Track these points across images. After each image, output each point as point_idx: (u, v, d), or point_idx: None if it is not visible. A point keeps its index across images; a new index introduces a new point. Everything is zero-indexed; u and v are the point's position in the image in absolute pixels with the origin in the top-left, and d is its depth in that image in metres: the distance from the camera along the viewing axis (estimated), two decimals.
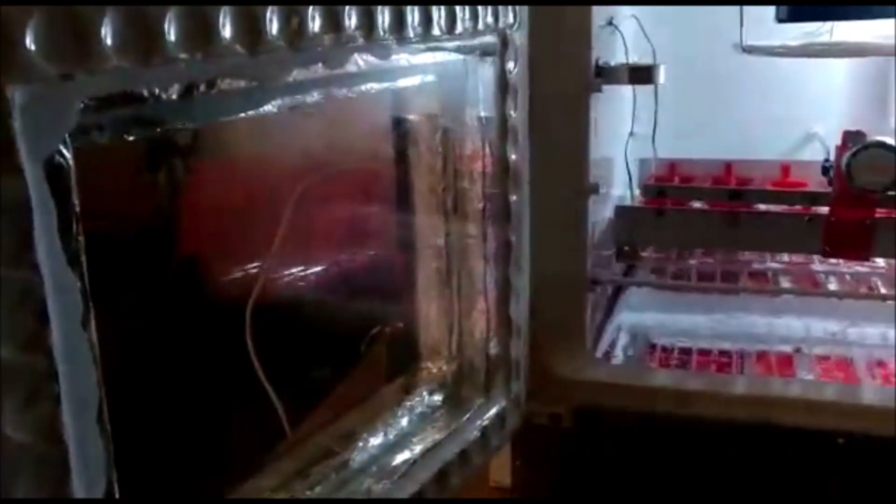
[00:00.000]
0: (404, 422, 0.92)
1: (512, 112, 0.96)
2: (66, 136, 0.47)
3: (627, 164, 1.33)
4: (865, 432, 1.06)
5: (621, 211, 1.29)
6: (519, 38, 0.96)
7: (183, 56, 0.53)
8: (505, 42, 0.93)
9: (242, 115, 0.69)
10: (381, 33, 0.72)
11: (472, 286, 0.99)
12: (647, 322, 1.40)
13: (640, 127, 1.33)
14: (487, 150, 0.95)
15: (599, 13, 1.10)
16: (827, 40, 1.32)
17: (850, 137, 1.11)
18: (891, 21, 1.19)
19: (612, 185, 1.34)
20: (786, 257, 1.47)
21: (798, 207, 1.25)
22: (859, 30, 1.31)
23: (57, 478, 0.48)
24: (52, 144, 0.46)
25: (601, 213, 1.27)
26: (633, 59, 1.22)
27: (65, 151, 0.47)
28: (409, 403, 0.94)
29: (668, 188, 1.31)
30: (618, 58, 1.20)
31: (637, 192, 1.38)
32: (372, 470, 0.85)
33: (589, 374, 1.19)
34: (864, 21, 1.28)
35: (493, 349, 1.01)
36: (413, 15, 0.75)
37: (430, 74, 0.90)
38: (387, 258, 1.04)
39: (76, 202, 0.49)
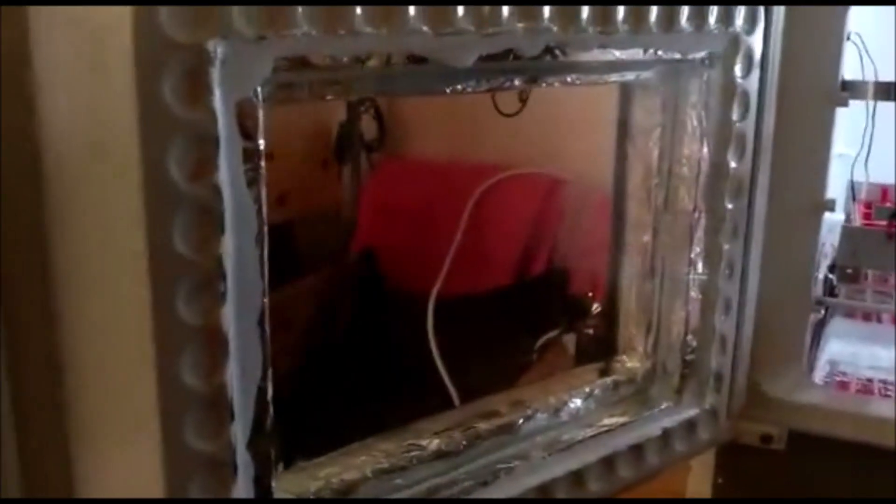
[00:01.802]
0: (579, 402, 0.95)
1: (736, 119, 0.94)
2: (258, 86, 0.59)
3: (853, 185, 1.25)
4: None
5: (849, 232, 1.23)
6: (755, 43, 0.94)
7: (368, 30, 0.62)
8: (736, 46, 0.92)
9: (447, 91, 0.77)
10: (582, 25, 0.76)
11: (675, 288, 0.99)
12: (845, 353, 1.36)
13: (852, 149, 1.25)
14: (705, 153, 0.94)
15: None
16: None
17: None
18: None
19: None
20: None
21: None
22: None
23: (215, 362, 0.59)
24: (245, 91, 0.58)
25: None
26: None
27: (256, 98, 0.59)
28: (589, 389, 0.97)
29: None
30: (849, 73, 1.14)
31: (855, 214, 1.31)
32: (536, 439, 0.89)
33: (806, 398, 1.15)
34: None
35: (690, 355, 1.00)
36: (621, 10, 0.79)
37: (653, 71, 0.92)
38: (595, 247, 1.07)
39: (261, 139, 0.60)
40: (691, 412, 1.01)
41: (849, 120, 1.22)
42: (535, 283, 1.51)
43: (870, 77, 1.16)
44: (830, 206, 1.13)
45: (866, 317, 1.42)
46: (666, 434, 0.98)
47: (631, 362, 1.02)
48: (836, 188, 1.33)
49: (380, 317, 1.51)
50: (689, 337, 0.99)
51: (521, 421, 0.89)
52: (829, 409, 1.14)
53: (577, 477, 0.89)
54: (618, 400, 0.99)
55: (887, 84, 1.14)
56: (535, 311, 1.44)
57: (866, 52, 1.20)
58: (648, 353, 1.01)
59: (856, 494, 1.15)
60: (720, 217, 0.96)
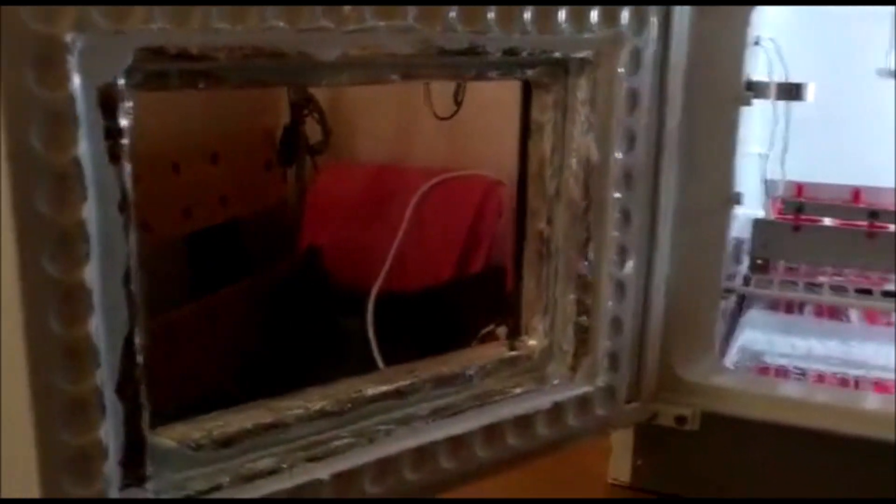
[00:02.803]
0: (472, 374, 1.02)
1: (623, 115, 1.01)
2: (120, 73, 0.67)
3: (765, 182, 1.33)
4: None
5: (760, 224, 1.30)
6: (643, 42, 1.01)
7: (224, 26, 0.70)
8: (620, 45, 0.99)
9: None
10: (450, 24, 0.84)
11: (568, 272, 1.06)
12: (763, 342, 1.40)
13: (766, 148, 1.38)
14: (592, 147, 1.01)
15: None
16: None
17: None
18: None
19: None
20: None
21: None
22: None
23: (79, 313, 0.68)
24: (105, 78, 0.66)
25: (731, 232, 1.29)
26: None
27: (117, 84, 0.67)
28: (483, 363, 1.04)
29: (805, 204, 1.30)
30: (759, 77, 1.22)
31: (769, 209, 1.38)
32: (422, 405, 0.97)
33: (718, 380, 1.22)
34: None
35: (583, 335, 1.07)
36: (492, 11, 0.86)
37: (542, 69, 0.99)
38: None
39: (124, 122, 0.68)
40: (584, 389, 1.07)
41: (768, 120, 1.31)
42: (475, 279, 1.60)
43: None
44: (738, 199, 1.19)
45: (788, 309, 1.48)
46: (557, 407, 1.05)
47: (531, 341, 1.09)
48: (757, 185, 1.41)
49: (324, 312, 1.61)
50: (583, 318, 1.06)
51: (409, 388, 0.97)
52: (740, 390, 1.21)
53: (459, 441, 0.96)
54: (513, 374, 1.06)
55: (790, 85, 1.22)
56: (474, 306, 1.53)
57: (778, 55, 1.28)
58: (546, 333, 1.08)
59: (768, 472, 1.22)
60: (606, 206, 1.03)
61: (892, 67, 1.30)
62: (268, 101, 1.96)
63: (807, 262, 1.45)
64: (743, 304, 1.46)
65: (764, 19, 1.35)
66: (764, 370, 1.35)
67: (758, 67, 1.27)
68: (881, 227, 1.33)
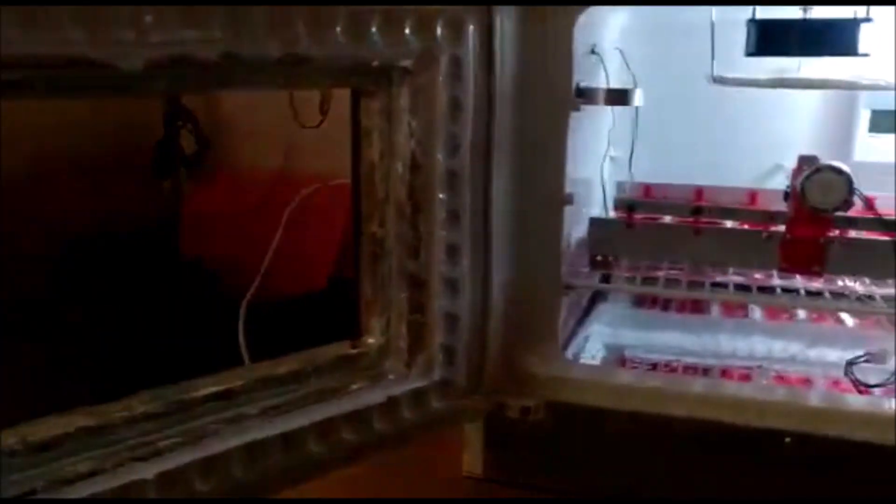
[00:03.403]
0: (310, 372, 1.05)
1: (445, 120, 1.06)
2: None
3: (603, 182, 1.40)
4: (811, 433, 1.13)
5: (595, 222, 1.38)
6: (463, 51, 1.06)
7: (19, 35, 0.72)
8: (437, 54, 1.04)
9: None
10: (257, 36, 0.87)
11: (400, 271, 1.10)
12: (620, 339, 1.50)
13: (618, 152, 1.50)
14: (417, 151, 1.06)
15: (583, 40, 1.20)
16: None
17: (805, 161, 1.23)
18: (858, 60, 1.19)
19: (590, 206, 1.46)
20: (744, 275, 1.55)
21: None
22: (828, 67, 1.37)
23: None
24: None
25: (579, 231, 1.37)
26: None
27: None
28: (319, 362, 1.07)
29: (637, 203, 1.40)
30: (600, 84, 1.32)
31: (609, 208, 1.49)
32: (252, 405, 0.99)
33: (560, 372, 1.28)
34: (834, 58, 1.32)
35: (417, 331, 1.11)
36: (301, 22, 0.90)
37: (364, 77, 1.03)
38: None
39: None
40: (419, 383, 1.11)
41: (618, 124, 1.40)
42: (352, 282, 1.63)
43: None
44: (569, 200, 1.25)
45: (653, 304, 1.58)
46: (392, 401, 1.09)
47: (370, 339, 1.13)
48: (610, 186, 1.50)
49: (203, 322, 1.61)
50: (416, 316, 1.11)
51: (240, 388, 0.99)
52: (581, 380, 1.28)
53: (291, 438, 0.99)
54: (351, 372, 1.09)
55: (619, 90, 1.29)
56: (351, 309, 1.56)
57: (625, 63, 1.37)
58: (383, 331, 1.12)
59: (613, 458, 1.30)
60: (433, 207, 1.08)
61: (714, 73, 1.38)
62: (141, 113, 1.96)
63: (640, 258, 1.53)
64: (596, 299, 1.53)
65: (610, 28, 1.43)
66: (622, 363, 1.42)
67: (602, 75, 1.36)
68: (707, 223, 1.41)
